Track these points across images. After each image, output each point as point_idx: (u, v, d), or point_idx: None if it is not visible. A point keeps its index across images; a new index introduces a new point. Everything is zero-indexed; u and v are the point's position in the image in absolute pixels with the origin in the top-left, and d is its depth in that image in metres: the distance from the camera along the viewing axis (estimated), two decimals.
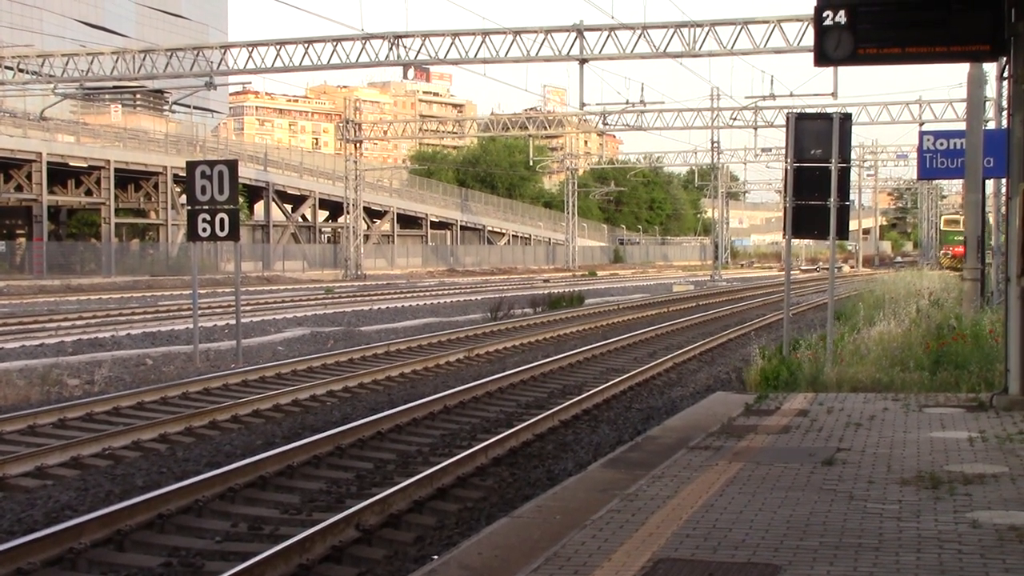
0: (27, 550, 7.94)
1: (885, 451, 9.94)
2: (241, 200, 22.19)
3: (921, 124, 55.31)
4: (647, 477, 9.08)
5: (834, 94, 43.70)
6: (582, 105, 42.40)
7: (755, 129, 63.86)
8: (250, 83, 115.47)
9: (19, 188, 59.73)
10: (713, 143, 76.00)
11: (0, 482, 10.59)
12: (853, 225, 63.98)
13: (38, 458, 11.32)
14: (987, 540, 6.94)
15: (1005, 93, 28.21)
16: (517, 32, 37.55)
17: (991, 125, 27.13)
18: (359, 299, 41.69)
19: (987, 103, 27.42)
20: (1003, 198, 29.58)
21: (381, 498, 9.49)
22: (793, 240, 17.04)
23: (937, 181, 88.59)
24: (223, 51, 42.76)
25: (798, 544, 6.90)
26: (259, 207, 76.03)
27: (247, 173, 66.60)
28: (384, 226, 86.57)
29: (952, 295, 25.33)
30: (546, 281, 62.99)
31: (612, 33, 36.62)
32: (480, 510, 9.73)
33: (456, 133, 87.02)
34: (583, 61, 37.18)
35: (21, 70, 43.37)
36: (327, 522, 8.70)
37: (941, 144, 23.52)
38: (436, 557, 8.01)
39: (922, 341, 17.21)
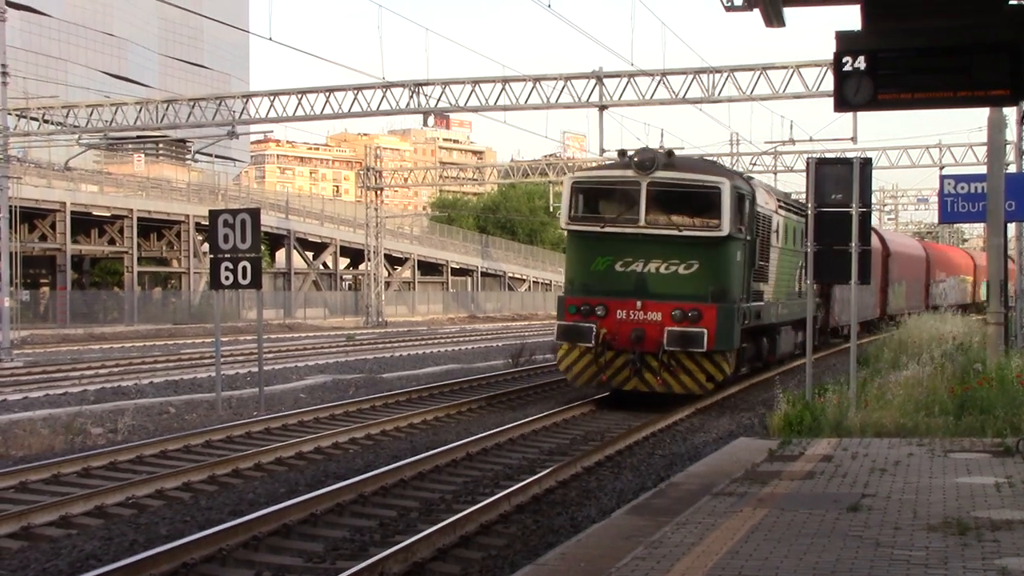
0: None
1: (911, 497, 9.88)
2: (263, 248, 22.29)
3: (941, 168, 55.14)
4: (671, 524, 9.05)
5: (854, 138, 43.65)
6: (602, 151, 42.50)
7: (775, 174, 63.77)
8: (272, 132, 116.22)
9: (43, 238, 60.23)
10: None
11: (25, 531, 10.63)
12: None
13: (62, 507, 11.35)
14: None
15: None
16: (537, 79, 37.76)
17: (1011, 168, 27.11)
18: (380, 346, 41.73)
19: (1008, 147, 27.42)
20: None
21: (405, 546, 9.48)
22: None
23: (958, 225, 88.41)
24: (245, 100, 43.07)
25: None
26: (280, 255, 76.33)
27: (269, 221, 66.99)
28: (405, 273, 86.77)
29: (976, 339, 25.21)
30: None
31: (631, 80, 36.80)
32: (504, 558, 9.69)
33: (476, 180, 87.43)
34: (602, 107, 37.36)
35: (46, 121, 43.83)
36: (351, 571, 8.71)
37: (962, 188, 23.50)
38: None
39: (947, 386, 17.13)
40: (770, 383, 24.10)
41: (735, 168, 39.58)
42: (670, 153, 19.91)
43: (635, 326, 19.00)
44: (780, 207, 24.48)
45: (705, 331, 18.29)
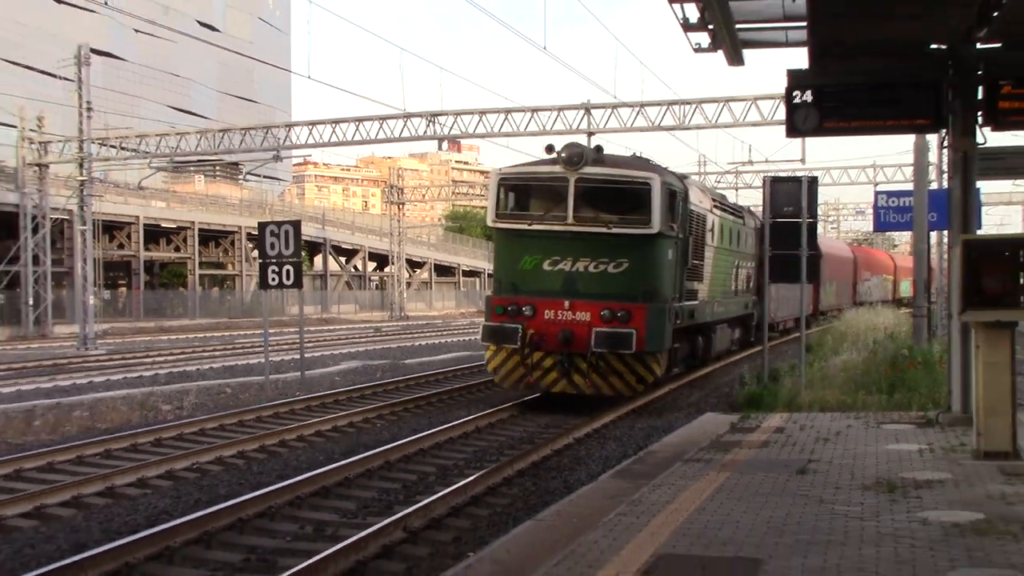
0: (133, 548, 8.04)
1: (849, 461, 9.93)
2: (303, 254, 22.24)
3: (876, 184, 55.01)
4: (649, 485, 9.10)
5: (803, 160, 44.19)
6: None
7: (736, 190, 63.67)
8: (310, 155, 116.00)
9: (120, 246, 60.39)
10: None
11: (109, 491, 10.71)
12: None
13: (139, 471, 11.43)
14: (935, 535, 6.95)
15: (945, 159, 28.33)
16: (534, 110, 37.67)
17: (933, 186, 27.14)
18: (403, 336, 41.75)
19: (931, 167, 27.45)
20: (945, 247, 29.61)
21: (424, 504, 9.54)
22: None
23: (889, 232, 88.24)
24: (288, 129, 42.97)
25: (777, 541, 6.92)
26: (318, 259, 76.38)
27: (308, 231, 66.96)
28: (423, 274, 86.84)
29: (904, 329, 25.24)
30: None
31: (615, 110, 36.73)
32: (508, 514, 9.74)
33: (483, 196, 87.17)
34: (590, 134, 37.23)
35: (123, 148, 43.82)
36: (379, 525, 8.76)
37: (893, 202, 23.52)
38: (472, 554, 8.04)
39: (880, 368, 17.19)
40: (732, 367, 24.11)
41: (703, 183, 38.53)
42: (599, 149, 16.63)
43: (563, 327, 15.97)
44: (715, 207, 21.17)
45: (634, 332, 15.53)
